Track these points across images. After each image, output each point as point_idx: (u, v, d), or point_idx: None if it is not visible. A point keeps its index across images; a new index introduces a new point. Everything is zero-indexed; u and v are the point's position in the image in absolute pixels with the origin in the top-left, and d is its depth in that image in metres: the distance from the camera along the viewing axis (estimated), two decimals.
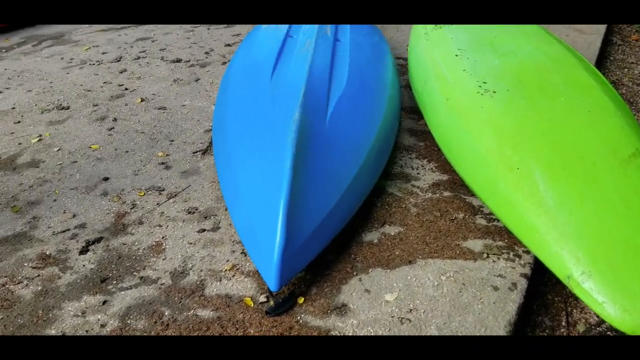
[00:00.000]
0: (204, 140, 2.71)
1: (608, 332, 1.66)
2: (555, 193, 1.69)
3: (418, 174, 2.34)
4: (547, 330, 1.70)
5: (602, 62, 3.71)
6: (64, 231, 2.07)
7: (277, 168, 1.77)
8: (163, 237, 2.01)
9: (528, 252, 1.84)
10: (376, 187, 2.18)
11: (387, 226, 2.02)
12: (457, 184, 2.24)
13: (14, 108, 3.15)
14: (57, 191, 2.33)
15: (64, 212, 2.18)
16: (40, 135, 2.81)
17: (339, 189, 1.86)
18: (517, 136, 1.90)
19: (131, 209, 2.18)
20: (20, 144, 2.74)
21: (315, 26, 2.93)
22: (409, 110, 2.90)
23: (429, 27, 2.87)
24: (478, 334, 1.52)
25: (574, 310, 1.77)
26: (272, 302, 1.64)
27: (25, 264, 1.89)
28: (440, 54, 2.54)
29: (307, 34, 2.83)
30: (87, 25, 4.82)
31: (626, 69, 3.61)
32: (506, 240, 1.91)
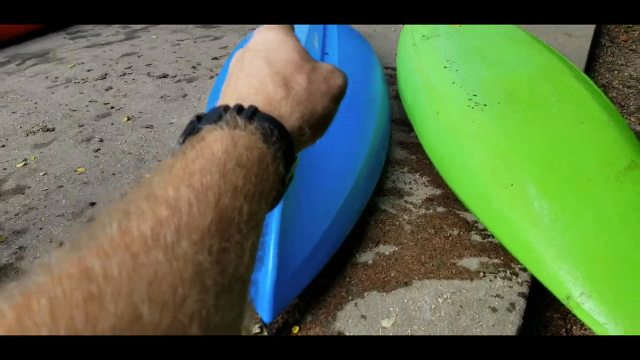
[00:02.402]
0: None
1: None
2: (550, 210, 1.66)
3: (411, 189, 2.31)
4: None
5: (591, 65, 3.70)
6: None
7: None
8: None
9: (525, 269, 1.81)
10: (369, 204, 2.14)
11: (382, 245, 1.98)
12: (451, 199, 2.21)
13: None
14: (43, 218, 2.27)
15: (51, 241, 2.13)
16: (26, 160, 2.76)
17: (332, 210, 1.82)
18: (510, 151, 1.86)
19: None
20: (5, 169, 2.68)
21: (303, 39, 2.89)
22: (400, 122, 2.87)
23: (417, 37, 2.84)
24: None
25: (574, 327, 1.74)
26: (265, 333, 1.60)
27: None
28: (429, 66, 2.51)
29: None
30: (72, 42, 4.77)
31: (616, 71, 3.60)
32: (502, 258, 1.87)
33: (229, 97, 0.56)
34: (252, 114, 0.51)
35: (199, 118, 0.53)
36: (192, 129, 0.51)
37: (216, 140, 0.46)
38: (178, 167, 0.44)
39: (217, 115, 0.51)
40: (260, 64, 0.58)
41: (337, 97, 0.61)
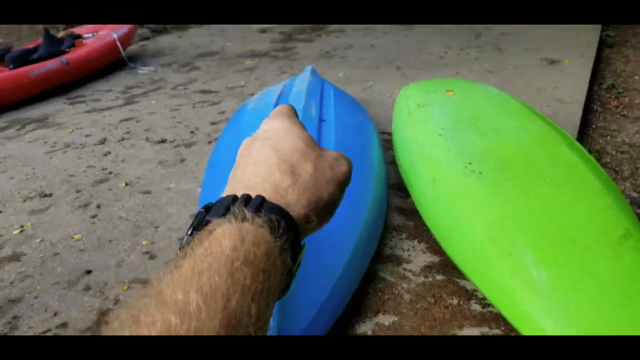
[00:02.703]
0: None
1: None
2: (549, 279, 1.66)
3: (409, 255, 2.31)
4: None
5: (584, 130, 3.77)
6: (44, 332, 1.98)
7: None
8: None
9: None
10: (367, 271, 2.13)
11: (381, 315, 1.96)
12: (449, 266, 2.20)
13: None
14: (38, 287, 2.25)
15: (45, 311, 2.10)
16: (22, 226, 2.75)
17: (330, 281, 1.81)
18: (507, 220, 1.88)
19: (114, 304, 2.11)
20: (1, 235, 2.67)
21: (301, 107, 2.96)
22: (397, 188, 2.89)
23: (412, 105, 2.91)
24: None
25: None
26: None
27: None
28: (424, 134, 2.56)
29: None
30: (72, 107, 4.85)
31: (609, 137, 3.67)
32: (502, 328, 1.85)
33: (237, 184, 0.57)
34: (259, 204, 0.51)
35: (207, 209, 0.54)
36: (201, 221, 0.52)
37: (224, 236, 0.47)
38: (187, 267, 0.45)
39: (225, 206, 0.52)
40: (268, 152, 0.59)
41: (343, 184, 0.62)
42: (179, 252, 0.49)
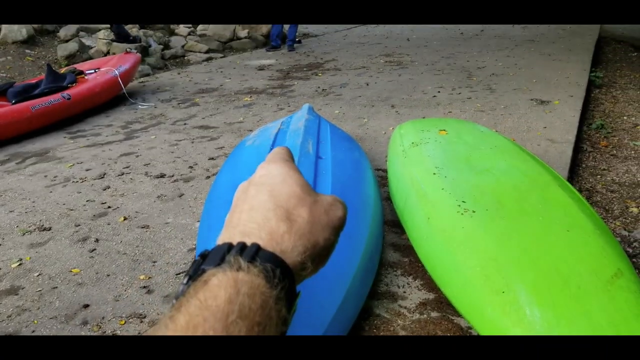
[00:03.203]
0: (188, 261, 2.69)
1: None
2: (542, 317, 1.69)
3: (404, 292, 2.34)
4: None
5: (574, 169, 3.85)
6: None
7: None
8: None
9: None
10: (363, 308, 2.16)
11: None
12: (444, 303, 2.23)
13: None
14: (35, 321, 2.26)
15: None
16: (21, 259, 2.77)
17: (326, 318, 1.83)
18: (500, 258, 1.92)
19: None
20: (0, 269, 2.69)
21: (298, 144, 3.02)
22: (392, 224, 2.94)
23: (406, 144, 2.98)
24: None
25: None
26: None
27: None
28: (418, 172, 2.62)
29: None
30: (72, 141, 4.91)
31: (599, 176, 3.75)
32: None
33: (232, 230, 0.58)
34: (254, 253, 0.52)
35: (203, 257, 0.54)
36: (196, 270, 0.52)
37: (220, 287, 0.47)
38: (182, 321, 0.45)
39: (221, 255, 0.52)
40: (264, 198, 0.60)
41: (338, 228, 0.63)
42: (174, 302, 0.49)
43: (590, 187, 3.58)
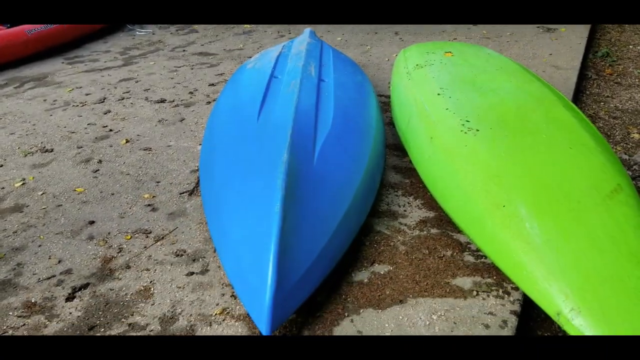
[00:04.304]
0: (191, 181, 2.71)
1: None
2: (541, 230, 1.72)
3: (405, 211, 2.36)
4: None
5: (578, 96, 3.81)
6: (49, 277, 2.04)
7: (266, 210, 1.78)
8: (151, 282, 1.99)
9: (517, 288, 1.86)
10: (364, 225, 2.19)
11: (377, 265, 2.02)
12: (444, 221, 2.26)
13: None
14: (41, 236, 2.30)
15: (49, 258, 2.15)
16: (24, 179, 2.79)
17: (329, 229, 1.87)
18: (502, 174, 1.93)
19: (118, 253, 2.16)
20: (3, 188, 2.71)
21: (300, 67, 2.98)
22: (393, 148, 2.94)
23: (411, 66, 2.93)
24: None
25: None
26: None
27: (10, 313, 1.86)
28: (422, 93, 2.60)
29: (291, 74, 2.87)
30: (70, 67, 4.84)
31: (602, 103, 3.72)
32: (495, 277, 1.92)
33: None
34: None
35: None
36: None
37: None
38: None
39: None
40: None
41: None
42: None
43: (594, 113, 3.56)
